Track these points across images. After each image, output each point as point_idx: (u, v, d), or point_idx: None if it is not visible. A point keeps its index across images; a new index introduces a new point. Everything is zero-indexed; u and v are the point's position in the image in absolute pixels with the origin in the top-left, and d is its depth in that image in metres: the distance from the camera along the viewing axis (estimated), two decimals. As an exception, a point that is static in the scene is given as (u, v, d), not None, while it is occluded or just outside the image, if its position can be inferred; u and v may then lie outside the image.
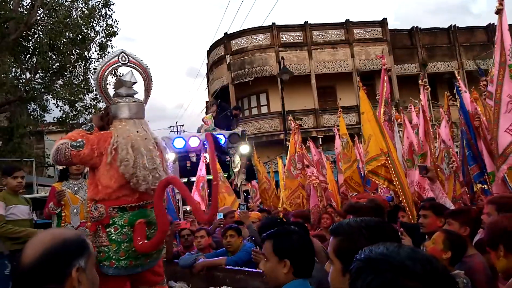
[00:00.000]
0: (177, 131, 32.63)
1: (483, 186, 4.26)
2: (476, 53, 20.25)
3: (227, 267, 3.83)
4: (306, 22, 19.77)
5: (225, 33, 20.04)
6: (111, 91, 2.99)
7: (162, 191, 2.70)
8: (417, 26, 20.70)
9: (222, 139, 6.63)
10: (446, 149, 5.17)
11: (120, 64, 2.87)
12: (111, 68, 2.89)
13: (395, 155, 5.01)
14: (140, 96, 3.00)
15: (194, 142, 6.95)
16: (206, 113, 25.16)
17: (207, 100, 24.26)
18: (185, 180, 8.26)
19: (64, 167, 4.13)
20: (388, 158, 4.67)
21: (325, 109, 19.23)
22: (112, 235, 2.66)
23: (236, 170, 7.55)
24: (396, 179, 4.59)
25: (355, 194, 6.11)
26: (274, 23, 19.57)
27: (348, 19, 19.95)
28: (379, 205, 2.89)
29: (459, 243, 2.36)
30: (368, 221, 1.35)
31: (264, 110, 19.96)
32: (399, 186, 4.55)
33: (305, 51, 19.50)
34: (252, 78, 19.12)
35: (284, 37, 19.66)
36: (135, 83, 2.97)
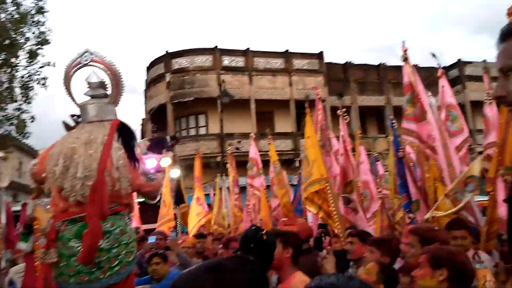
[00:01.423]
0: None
1: (410, 215, 4.51)
2: (402, 90, 21.97)
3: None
4: (248, 48, 20.23)
5: (167, 51, 19.82)
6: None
7: (92, 195, 2.49)
8: (350, 61, 22.12)
9: (153, 163, 6.48)
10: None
11: (82, 64, 2.69)
12: (75, 69, 2.72)
13: (333, 182, 5.22)
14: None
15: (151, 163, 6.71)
16: (142, 131, 24.38)
17: (143, 117, 23.58)
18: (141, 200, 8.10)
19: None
20: (327, 184, 4.84)
21: (263, 134, 19.56)
22: (60, 250, 2.48)
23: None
24: (332, 205, 4.74)
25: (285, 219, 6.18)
26: (217, 46, 19.78)
27: (288, 49, 20.78)
28: (291, 233, 2.90)
29: (392, 276, 2.41)
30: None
31: (202, 131, 19.83)
32: (334, 213, 4.69)
33: (246, 76, 19.87)
34: (192, 98, 18.99)
35: (226, 61, 19.91)
36: (103, 82, 2.78)
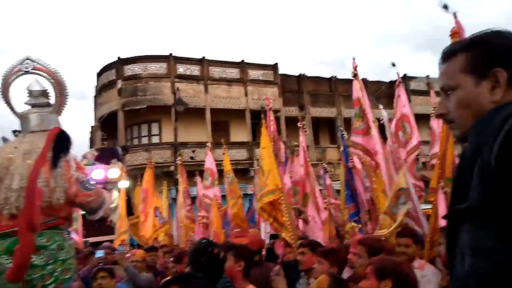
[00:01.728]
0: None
1: (357, 225, 4.60)
2: (352, 102, 22.84)
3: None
4: (203, 57, 20.13)
5: (119, 57, 19.25)
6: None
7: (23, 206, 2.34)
8: (304, 74, 22.67)
9: (101, 174, 6.18)
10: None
11: (23, 72, 2.53)
12: (15, 76, 2.56)
13: (287, 192, 5.25)
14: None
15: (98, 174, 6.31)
16: (91, 140, 23.35)
17: (93, 125, 22.65)
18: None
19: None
20: (281, 194, 4.86)
21: (219, 143, 19.45)
22: None
23: (113, 206, 7.23)
24: (286, 216, 4.75)
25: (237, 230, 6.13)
26: (172, 53, 19.50)
27: (244, 60, 20.93)
28: (243, 246, 2.88)
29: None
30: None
31: (155, 140, 19.36)
32: (288, 223, 4.71)
33: (201, 85, 19.73)
34: (145, 106, 18.52)
35: (180, 69, 19.66)
36: (45, 91, 2.63)
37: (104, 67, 20.06)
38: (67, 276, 2.40)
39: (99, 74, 20.54)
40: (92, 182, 2.67)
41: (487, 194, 0.84)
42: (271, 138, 6.33)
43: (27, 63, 2.59)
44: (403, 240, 2.95)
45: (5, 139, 2.79)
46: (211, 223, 7.09)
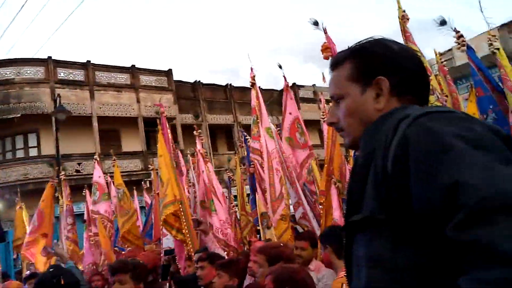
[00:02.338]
0: None
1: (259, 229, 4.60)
2: (249, 110, 23.46)
3: None
4: (88, 61, 18.63)
5: (-15, 59, 16.72)
6: None
7: None
8: (199, 80, 22.55)
9: None
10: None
11: None
12: None
13: (187, 202, 5.06)
14: None
15: None
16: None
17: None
18: None
19: None
20: (180, 206, 4.68)
21: (108, 154, 18.14)
22: None
23: None
24: (185, 227, 4.59)
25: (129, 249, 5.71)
26: (51, 57, 17.63)
27: (134, 65, 19.95)
28: (138, 265, 2.67)
29: None
30: None
31: (33, 152, 17.22)
32: (188, 235, 4.56)
33: (86, 91, 18.18)
34: (19, 115, 16.34)
35: (62, 73, 17.86)
36: None
37: (-35, 70, 17.23)
38: None
39: (-41, 78, 17.58)
40: None
41: (381, 202, 0.81)
42: (168, 146, 6.04)
43: None
44: (299, 243, 2.99)
45: None
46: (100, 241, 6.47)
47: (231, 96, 23.34)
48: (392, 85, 0.97)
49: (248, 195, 6.05)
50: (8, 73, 16.93)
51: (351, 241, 0.92)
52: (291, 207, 4.36)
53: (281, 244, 2.76)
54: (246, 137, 6.63)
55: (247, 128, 21.58)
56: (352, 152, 4.61)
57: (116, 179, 7.23)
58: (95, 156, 8.22)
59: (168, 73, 21.02)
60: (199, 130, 6.44)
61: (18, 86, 16.81)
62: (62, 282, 2.03)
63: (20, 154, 17.19)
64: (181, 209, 4.59)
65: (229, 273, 2.64)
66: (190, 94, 22.13)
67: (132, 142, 19.01)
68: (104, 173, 7.99)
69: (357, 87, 1.01)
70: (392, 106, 0.96)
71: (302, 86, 25.92)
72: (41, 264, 6.85)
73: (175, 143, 7.34)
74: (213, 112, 22.47)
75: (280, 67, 5.24)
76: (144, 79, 20.14)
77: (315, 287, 2.06)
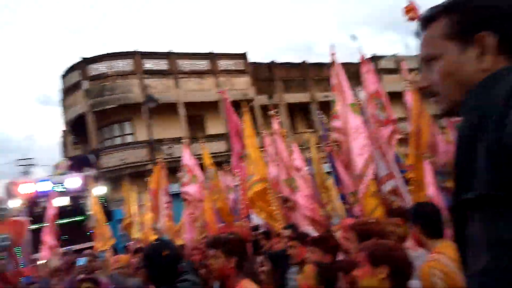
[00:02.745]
0: (26, 164, 28.59)
1: (346, 207, 4.59)
2: (324, 86, 22.97)
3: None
4: (171, 51, 19.66)
5: (82, 57, 18.53)
6: None
7: None
8: (274, 61, 22.56)
9: (77, 182, 6.27)
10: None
11: None
12: None
13: (273, 181, 5.19)
14: None
15: (45, 186, 6.21)
16: (63, 144, 22.62)
17: (63, 129, 21.89)
18: (37, 226, 7.68)
19: None
20: (267, 184, 4.79)
21: (195, 138, 19.19)
22: None
23: (90, 213, 7.16)
24: (273, 205, 4.69)
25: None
26: (137, 49, 18.94)
27: (213, 50, 20.59)
28: (242, 239, 2.82)
29: (330, 277, 2.32)
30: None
31: (129, 139, 18.87)
32: (276, 212, 4.65)
33: (171, 79, 19.29)
34: (115, 106, 17.97)
35: (148, 64, 19.14)
36: None
37: (68, 69, 19.29)
38: None
39: (64, 76, 19.75)
40: None
41: (499, 177, 0.72)
42: (233, 126, 6.15)
43: None
44: (393, 219, 2.91)
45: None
46: (196, 220, 6.96)
47: (307, 74, 23.02)
48: (498, 41, 0.85)
49: (328, 172, 6.01)
50: (101, 67, 18.59)
51: (463, 221, 0.84)
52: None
53: (372, 221, 2.73)
54: (322, 116, 6.54)
55: (324, 105, 21.24)
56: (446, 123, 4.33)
57: (206, 160, 7.60)
58: (182, 140, 8.68)
59: (244, 55, 21.36)
60: (275, 110, 6.43)
61: (111, 79, 18.40)
62: (164, 254, 2.23)
63: (118, 141, 18.96)
64: (267, 188, 4.72)
65: (322, 249, 2.70)
66: (266, 74, 22.29)
67: (216, 126, 19.83)
68: (194, 155, 8.44)
69: (455, 45, 0.90)
70: (499, 66, 0.84)
71: (382, 57, 24.57)
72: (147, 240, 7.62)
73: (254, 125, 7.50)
74: (290, 90, 22.42)
75: (354, 38, 5.02)
76: (222, 64, 20.71)
77: (414, 267, 1.96)
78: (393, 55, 24.75)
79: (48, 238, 6.65)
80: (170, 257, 2.24)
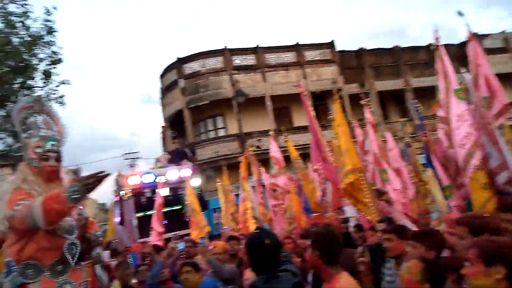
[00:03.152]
0: (132, 158, 31.68)
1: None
2: (420, 71, 21.41)
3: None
4: (258, 45, 20.04)
5: (178, 57, 19.84)
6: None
7: None
8: (363, 47, 21.64)
9: (176, 174, 6.87)
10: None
11: (33, 111, 2.74)
12: (25, 112, 2.77)
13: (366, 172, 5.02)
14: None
15: (149, 178, 6.89)
16: (162, 139, 24.54)
17: (163, 125, 23.73)
18: (141, 214, 8.42)
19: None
20: (361, 175, 4.66)
21: (281, 130, 19.34)
22: None
23: (187, 203, 7.71)
24: (367, 197, 4.54)
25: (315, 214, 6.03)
26: (227, 46, 19.67)
27: (298, 42, 20.49)
28: (330, 232, 2.77)
29: (438, 274, 2.21)
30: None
31: (221, 133, 19.77)
32: (371, 204, 4.51)
33: (258, 74, 19.69)
34: (207, 102, 18.95)
35: (237, 60, 19.78)
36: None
37: (165, 69, 20.82)
38: None
39: (162, 76, 21.38)
40: (16, 208, 2.46)
41: None
42: (311, 121, 6.00)
43: (39, 104, 2.81)
44: (507, 215, 2.61)
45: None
46: (285, 211, 7.04)
47: (399, 59, 21.67)
48: None
49: (423, 164, 5.60)
50: (195, 66, 19.72)
51: None
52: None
53: (487, 214, 2.48)
54: (417, 106, 6.12)
55: (419, 91, 19.80)
56: None
57: (292, 153, 7.65)
58: (270, 133, 8.80)
59: (331, 44, 20.87)
60: (367, 99, 6.15)
61: (204, 77, 19.42)
62: (266, 242, 2.25)
63: (211, 135, 19.99)
64: (361, 178, 4.56)
65: (425, 244, 2.54)
66: (355, 62, 21.50)
67: (302, 117, 19.76)
68: (280, 147, 8.55)
69: None
70: None
71: (488, 35, 22.04)
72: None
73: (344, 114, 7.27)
74: (381, 78, 21.34)
75: (461, 14, 4.54)
76: (309, 55, 20.52)
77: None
78: (501, 32, 22.08)
79: (156, 225, 7.33)
80: (271, 245, 2.26)
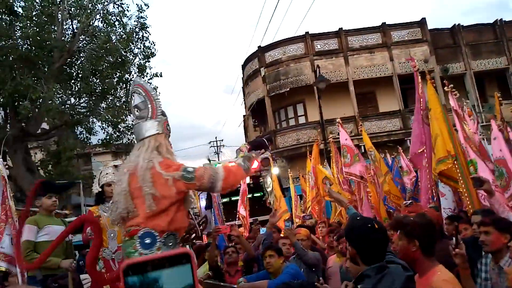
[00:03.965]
0: (217, 146, 33.14)
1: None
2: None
3: (269, 291, 3.59)
4: (340, 29, 19.39)
5: (259, 46, 20.06)
6: None
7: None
8: (459, 24, 19.72)
9: (256, 163, 7.10)
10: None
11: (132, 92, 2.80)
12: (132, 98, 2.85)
13: (463, 159, 4.60)
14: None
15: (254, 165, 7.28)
16: (244, 127, 25.23)
17: (244, 114, 24.34)
18: (226, 200, 8.90)
19: (100, 190, 4.10)
20: (455, 162, 4.31)
21: (366, 115, 18.62)
22: None
23: (268, 189, 7.92)
24: (463, 186, 4.20)
25: (407, 204, 5.69)
26: (308, 32, 19.36)
27: (385, 22, 19.38)
28: (429, 221, 2.55)
29: None
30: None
31: (301, 120, 19.66)
32: (466, 194, 4.17)
33: (341, 58, 19.09)
34: (288, 89, 18.93)
35: (318, 45, 19.37)
36: (137, 105, 2.78)
37: (247, 59, 21.22)
38: None
39: (244, 66, 21.84)
40: (190, 169, 2.49)
41: None
42: (418, 103, 5.56)
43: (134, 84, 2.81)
44: None
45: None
46: (361, 200, 6.83)
47: (503, 35, 19.35)
48: None
49: None
50: (276, 54, 19.77)
51: None
52: None
53: None
54: None
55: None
56: None
57: (367, 143, 7.34)
58: (337, 120, 8.43)
59: (422, 23, 19.37)
60: (451, 85, 5.51)
61: (285, 64, 19.40)
62: (376, 227, 2.11)
63: (292, 122, 19.99)
64: (456, 165, 4.18)
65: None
66: (449, 41, 19.71)
67: (389, 102, 18.78)
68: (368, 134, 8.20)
69: None
70: None
71: None
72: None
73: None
74: (479, 57, 19.29)
75: None
76: (396, 35, 19.31)
77: None
78: None
79: (241, 210, 7.77)
80: (381, 232, 2.12)
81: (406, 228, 2.27)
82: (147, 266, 0.75)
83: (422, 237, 2.23)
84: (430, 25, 19.46)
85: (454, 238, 2.84)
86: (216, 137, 43.95)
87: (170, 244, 2.49)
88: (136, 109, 2.75)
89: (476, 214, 3.74)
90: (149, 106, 2.73)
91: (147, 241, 2.44)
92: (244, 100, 22.95)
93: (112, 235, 3.98)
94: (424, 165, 5.16)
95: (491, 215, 3.56)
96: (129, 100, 3.01)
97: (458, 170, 4.16)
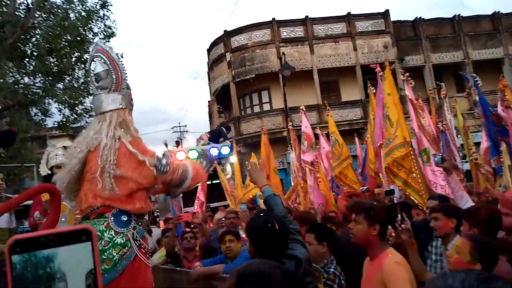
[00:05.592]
0: (180, 131, 32.70)
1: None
2: (482, 42, 19.82)
3: (224, 275, 3.60)
4: (306, 17, 19.45)
5: (225, 31, 19.78)
6: None
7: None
8: (420, 17, 20.32)
9: (216, 151, 7.37)
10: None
11: (92, 57, 2.59)
12: (90, 63, 2.65)
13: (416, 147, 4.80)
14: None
15: (193, 155, 7.17)
16: (209, 113, 24.94)
17: (209, 99, 24.07)
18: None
19: (49, 172, 3.93)
20: (411, 148, 4.47)
21: (329, 104, 18.87)
22: None
23: (227, 177, 8.09)
24: (417, 172, 4.35)
25: (363, 190, 5.86)
26: (274, 18, 19.28)
27: (350, 12, 19.62)
28: (387, 206, 2.61)
29: (489, 253, 2.04)
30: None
31: (266, 107, 19.69)
32: (419, 181, 4.32)
33: (306, 46, 19.19)
34: (253, 75, 18.84)
35: (284, 32, 19.35)
36: (98, 73, 2.55)
37: (212, 42, 20.87)
38: (108, 267, 2.28)
39: (209, 50, 21.48)
40: (164, 162, 2.41)
41: None
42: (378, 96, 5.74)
43: (94, 48, 2.60)
44: None
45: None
46: (312, 188, 7.00)
47: (460, 30, 20.14)
48: None
49: (476, 143, 5.23)
50: (242, 39, 19.56)
51: None
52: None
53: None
54: (476, 80, 5.67)
55: (479, 64, 18.39)
56: None
57: (330, 127, 7.53)
58: (301, 107, 8.66)
59: (385, 14, 19.79)
60: (406, 74, 5.69)
61: (251, 50, 19.26)
62: (277, 227, 2.10)
63: (256, 109, 19.99)
64: (411, 152, 4.34)
65: (469, 222, 2.37)
66: (410, 34, 20.29)
67: (351, 92, 19.16)
68: (326, 123, 8.39)
69: None
70: None
71: None
72: None
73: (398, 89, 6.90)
74: (438, 50, 20.02)
75: None
76: (360, 25, 19.62)
77: None
78: None
79: (201, 196, 7.69)
80: (278, 235, 2.09)
81: (368, 212, 2.27)
82: (37, 243, 0.64)
83: (384, 222, 2.27)
84: (393, 17, 19.95)
85: (399, 216, 2.94)
86: (179, 123, 43.24)
87: (140, 224, 2.44)
88: (96, 78, 2.55)
89: (433, 199, 3.89)
90: (114, 76, 2.54)
91: (124, 218, 2.36)
92: (209, 85, 22.65)
93: (63, 219, 3.85)
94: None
95: (446, 201, 3.73)
96: (87, 66, 2.84)
97: (413, 157, 4.32)
